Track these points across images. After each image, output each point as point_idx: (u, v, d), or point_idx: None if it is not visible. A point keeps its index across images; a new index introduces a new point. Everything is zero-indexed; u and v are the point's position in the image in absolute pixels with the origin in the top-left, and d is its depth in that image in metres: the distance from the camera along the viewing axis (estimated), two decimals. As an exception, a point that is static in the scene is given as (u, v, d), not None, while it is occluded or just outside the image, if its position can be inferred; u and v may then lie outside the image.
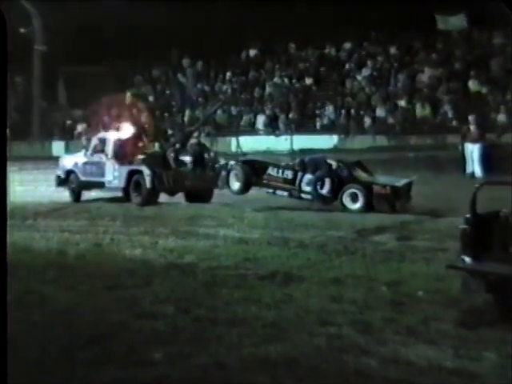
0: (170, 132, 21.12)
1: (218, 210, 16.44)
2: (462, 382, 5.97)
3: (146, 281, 9.58)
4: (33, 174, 28.15)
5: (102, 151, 19.19)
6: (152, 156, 18.88)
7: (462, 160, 22.67)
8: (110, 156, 18.98)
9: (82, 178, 19.45)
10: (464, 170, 22.32)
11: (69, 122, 40.60)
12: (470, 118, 23.48)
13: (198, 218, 15.24)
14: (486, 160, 22.00)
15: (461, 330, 7.21)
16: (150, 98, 40.39)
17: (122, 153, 19.04)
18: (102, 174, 19.03)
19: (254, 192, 18.07)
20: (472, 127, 22.87)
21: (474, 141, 22.48)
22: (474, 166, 22.16)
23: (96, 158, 19.30)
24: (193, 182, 18.58)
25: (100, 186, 19.27)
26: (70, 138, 38.55)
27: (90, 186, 19.51)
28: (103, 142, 19.36)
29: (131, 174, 18.43)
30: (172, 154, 18.85)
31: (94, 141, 19.74)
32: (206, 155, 19.38)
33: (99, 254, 11.90)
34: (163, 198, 18.55)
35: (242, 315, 7.78)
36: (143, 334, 7.23)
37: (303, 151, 27.31)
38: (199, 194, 18.50)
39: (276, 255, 11.34)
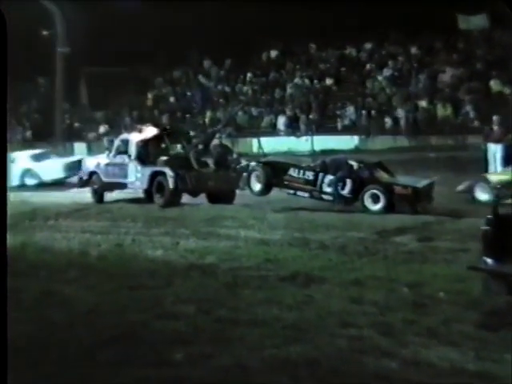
0: (191, 133, 21.09)
1: (239, 211, 16.43)
2: (483, 385, 5.94)
3: (167, 281, 9.60)
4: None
5: (125, 152, 19.21)
6: (175, 157, 18.90)
7: (484, 160, 22.51)
8: (132, 157, 19.01)
9: (105, 179, 19.48)
10: (486, 170, 22.16)
11: (76, 124, 40.96)
12: (494, 118, 23.34)
13: (219, 219, 15.24)
14: (509, 160, 21.83)
15: (482, 332, 7.16)
16: (171, 100, 40.61)
17: (145, 154, 19.08)
18: (125, 176, 19.07)
19: (275, 193, 18.07)
20: (495, 127, 22.72)
21: (497, 141, 22.33)
22: (497, 166, 22.00)
23: (119, 159, 19.33)
24: (215, 183, 18.57)
25: (123, 187, 19.32)
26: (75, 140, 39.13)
27: (112, 187, 19.56)
28: (126, 143, 19.39)
29: (154, 175, 18.45)
30: (194, 155, 18.87)
31: (117, 142, 19.78)
32: (228, 156, 19.37)
33: (120, 255, 11.94)
34: (185, 198, 18.55)
35: (263, 316, 7.77)
36: (164, 334, 7.24)
37: (324, 152, 27.31)
38: (221, 195, 18.47)
39: (297, 256, 11.33)
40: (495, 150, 22.21)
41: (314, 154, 28.50)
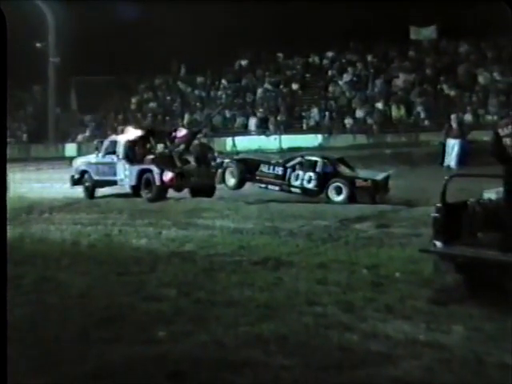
0: (173, 134, 20.96)
1: (215, 204, 16.38)
2: (433, 353, 5.98)
3: (151, 267, 9.55)
4: (48, 172, 28.14)
5: (114, 152, 19.08)
6: (160, 156, 18.80)
7: (441, 154, 22.69)
8: (121, 157, 18.89)
9: (96, 177, 19.34)
10: (442, 162, 22.34)
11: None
12: (453, 116, 23.70)
13: (197, 211, 15.18)
14: (464, 154, 22.09)
15: (433, 307, 7.22)
16: (153, 104, 40.47)
17: (132, 153, 18.97)
18: (114, 174, 18.92)
19: (247, 187, 18.05)
20: (454, 125, 22.98)
21: (455, 137, 22.58)
22: (452, 159, 22.20)
23: (108, 158, 19.18)
24: (197, 179, 18.49)
25: (112, 184, 19.19)
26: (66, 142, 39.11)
27: (102, 184, 19.41)
28: (114, 144, 19.25)
29: (141, 172, 18.33)
30: (177, 154, 18.79)
31: (106, 143, 19.63)
32: (208, 154, 19.29)
33: (109, 244, 11.86)
34: (170, 193, 18.45)
35: (237, 297, 7.77)
36: (149, 315, 7.22)
37: (291, 149, 27.36)
38: (203, 190, 18.39)
39: (268, 243, 11.31)
40: (453, 145, 22.44)
41: (282, 151, 28.56)
